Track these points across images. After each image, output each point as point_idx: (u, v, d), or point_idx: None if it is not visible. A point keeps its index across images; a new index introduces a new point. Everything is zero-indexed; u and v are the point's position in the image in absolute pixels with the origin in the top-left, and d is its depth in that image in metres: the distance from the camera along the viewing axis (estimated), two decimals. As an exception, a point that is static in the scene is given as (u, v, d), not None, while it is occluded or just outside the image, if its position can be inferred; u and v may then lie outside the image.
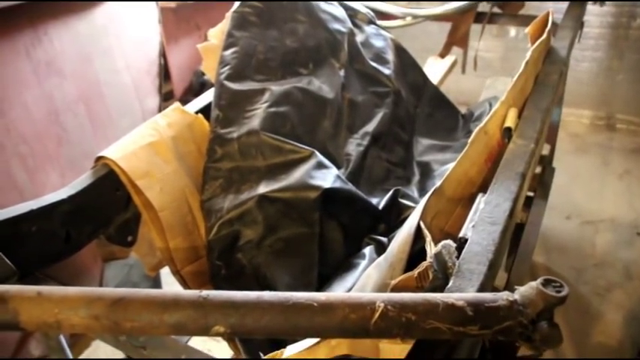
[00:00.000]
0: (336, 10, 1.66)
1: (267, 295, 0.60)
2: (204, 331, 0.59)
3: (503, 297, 0.60)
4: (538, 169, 2.13)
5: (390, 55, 1.72)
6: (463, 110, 1.91)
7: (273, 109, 1.34)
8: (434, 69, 2.33)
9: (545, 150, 2.26)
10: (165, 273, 1.46)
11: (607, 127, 3.58)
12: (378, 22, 1.86)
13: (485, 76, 2.48)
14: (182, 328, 0.60)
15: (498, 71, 3.50)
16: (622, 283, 2.27)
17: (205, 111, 1.37)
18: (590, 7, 2.36)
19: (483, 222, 0.83)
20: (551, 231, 2.54)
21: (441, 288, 0.71)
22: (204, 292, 0.60)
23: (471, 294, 0.64)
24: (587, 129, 3.58)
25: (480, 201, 0.89)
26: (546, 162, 2.29)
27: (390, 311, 0.57)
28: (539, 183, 2.13)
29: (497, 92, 2.11)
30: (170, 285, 1.87)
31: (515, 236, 1.78)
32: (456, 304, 0.58)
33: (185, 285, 1.26)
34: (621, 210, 2.73)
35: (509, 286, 1.41)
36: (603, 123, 3.61)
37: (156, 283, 2.01)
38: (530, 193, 2.01)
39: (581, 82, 3.50)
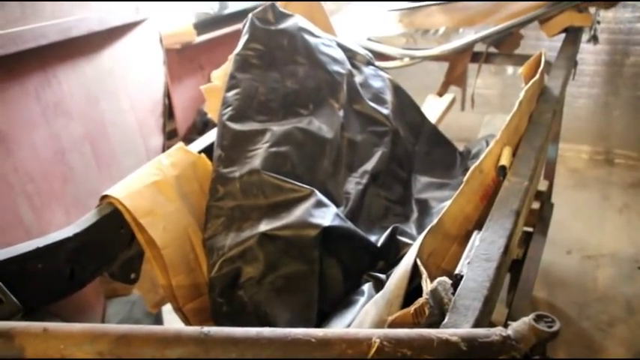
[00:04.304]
0: (335, 52, 1.70)
1: (266, 331, 0.61)
2: (206, 367, 0.61)
3: (496, 332, 0.61)
4: (537, 205, 2.14)
5: (388, 96, 1.75)
6: (462, 147, 1.94)
7: (274, 149, 1.37)
8: (433, 107, 2.37)
9: (544, 186, 2.29)
10: (167, 310, 1.46)
11: (606, 162, 3.61)
12: (377, 62, 1.91)
13: (484, 112, 2.52)
14: (184, 364, 0.61)
15: (497, 108, 3.55)
16: (624, 317, 2.26)
17: (208, 151, 1.41)
18: (585, 46, 2.42)
19: (479, 259, 0.84)
20: (552, 266, 2.53)
21: (437, 324, 0.72)
22: (206, 329, 0.61)
23: (465, 329, 0.65)
24: (586, 164, 3.61)
25: (476, 238, 0.91)
26: (545, 198, 2.30)
27: (385, 346, 0.59)
28: (539, 218, 2.14)
29: (495, 129, 2.12)
30: (171, 322, 1.87)
31: (515, 272, 1.79)
32: (450, 339, 0.60)
33: (187, 322, 1.26)
34: (622, 244, 2.73)
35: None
36: (602, 158, 3.64)
37: (157, 319, 2.02)
38: (530, 229, 2.02)
39: (579, 118, 3.54)
